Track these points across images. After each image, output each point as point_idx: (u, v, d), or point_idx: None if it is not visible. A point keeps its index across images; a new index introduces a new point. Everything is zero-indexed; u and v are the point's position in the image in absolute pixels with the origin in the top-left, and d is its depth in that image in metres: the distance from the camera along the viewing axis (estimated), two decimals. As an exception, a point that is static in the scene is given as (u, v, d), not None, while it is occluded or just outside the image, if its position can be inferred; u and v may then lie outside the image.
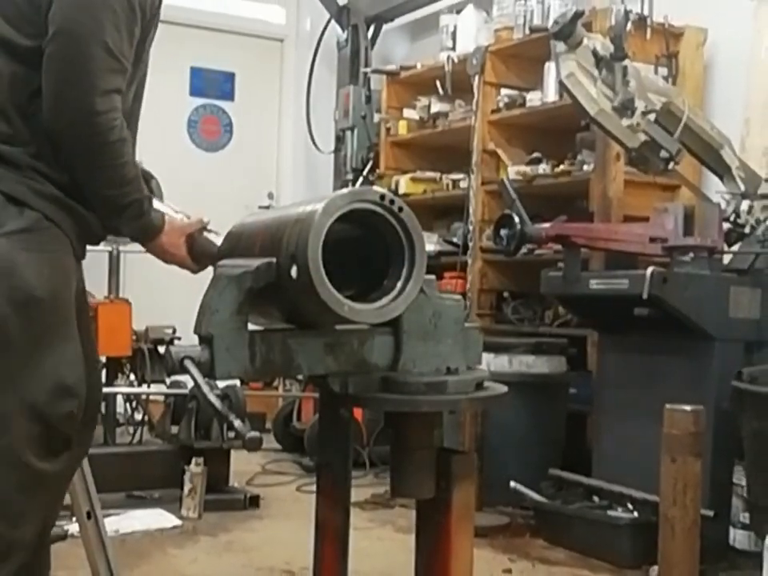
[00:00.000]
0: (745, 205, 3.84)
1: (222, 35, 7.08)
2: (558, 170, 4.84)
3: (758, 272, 3.69)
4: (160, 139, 6.90)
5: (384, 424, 2.01)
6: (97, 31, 1.91)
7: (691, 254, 3.67)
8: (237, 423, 1.64)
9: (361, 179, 6.20)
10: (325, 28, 6.89)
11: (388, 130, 6.14)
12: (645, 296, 3.45)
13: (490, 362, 4.20)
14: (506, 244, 3.82)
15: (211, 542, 3.78)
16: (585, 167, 4.66)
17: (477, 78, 5.26)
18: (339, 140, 6.61)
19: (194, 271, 2.20)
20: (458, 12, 5.83)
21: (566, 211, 4.48)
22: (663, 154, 3.71)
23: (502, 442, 4.18)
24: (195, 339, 1.74)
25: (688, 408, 2.66)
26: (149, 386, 4.76)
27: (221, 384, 4.06)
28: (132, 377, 4.85)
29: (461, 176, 5.53)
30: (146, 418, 4.83)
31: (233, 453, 4.34)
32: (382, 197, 1.75)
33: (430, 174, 5.86)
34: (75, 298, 2.10)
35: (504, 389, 1.92)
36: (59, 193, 1.99)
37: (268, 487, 4.69)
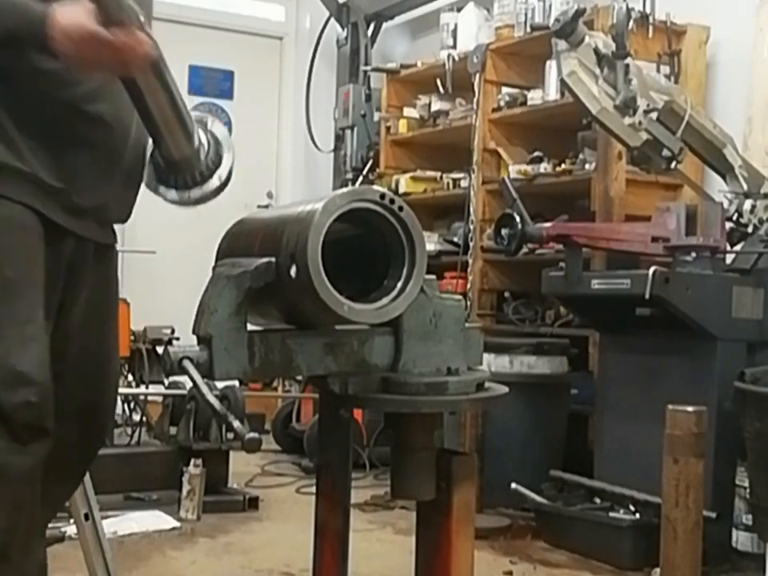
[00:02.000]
0: (747, 204, 3.82)
1: (221, 33, 7.07)
2: (559, 169, 4.82)
3: (760, 272, 3.67)
4: (159, 138, 6.89)
5: (384, 425, 1.99)
6: None
7: (694, 254, 3.65)
8: (236, 424, 1.62)
9: (361, 178, 6.19)
10: (324, 26, 6.88)
11: (388, 128, 6.13)
12: (647, 296, 3.44)
13: (491, 362, 4.18)
14: (506, 243, 3.81)
15: (210, 543, 3.76)
16: (586, 166, 4.64)
17: (477, 76, 5.25)
18: (339, 139, 6.60)
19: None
20: (459, 10, 5.81)
21: (567, 210, 4.48)
22: (665, 152, 3.70)
23: (502, 443, 4.16)
24: (194, 339, 1.72)
25: (690, 409, 2.64)
26: (147, 387, 4.74)
27: (219, 385, 4.05)
28: (130, 377, 4.83)
29: (461, 175, 5.51)
30: (144, 418, 4.80)
31: (232, 454, 4.33)
32: (382, 196, 1.73)
33: (430, 173, 5.84)
34: (49, 271, 1.88)
35: (505, 389, 1.91)
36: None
37: (267, 489, 4.67)
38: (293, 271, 1.66)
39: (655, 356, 3.70)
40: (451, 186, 5.64)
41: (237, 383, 4.18)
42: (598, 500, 3.80)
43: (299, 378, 4.98)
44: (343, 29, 6.76)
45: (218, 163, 1.98)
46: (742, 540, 3.52)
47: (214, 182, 1.97)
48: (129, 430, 4.83)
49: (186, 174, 1.95)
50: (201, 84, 7.11)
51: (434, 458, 1.85)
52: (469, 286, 5.16)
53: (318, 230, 1.64)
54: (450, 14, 5.87)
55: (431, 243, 5.36)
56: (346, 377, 1.77)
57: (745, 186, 3.85)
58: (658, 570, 2.82)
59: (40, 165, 1.85)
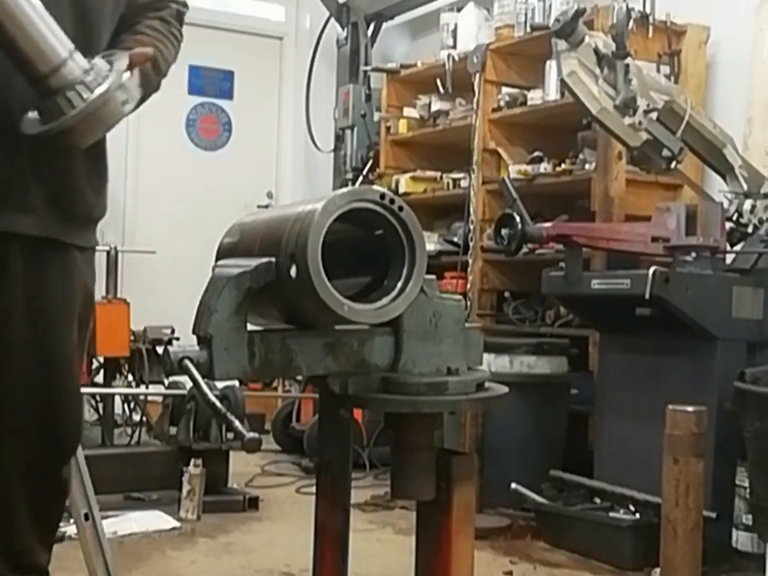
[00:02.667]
0: (747, 204, 3.82)
1: (221, 33, 7.07)
2: (559, 169, 4.83)
3: (760, 272, 3.67)
4: (158, 138, 6.89)
5: (384, 425, 1.99)
6: None
7: (693, 254, 3.65)
8: (236, 424, 1.62)
9: (361, 178, 6.19)
10: (324, 26, 6.88)
11: (388, 128, 6.13)
12: (647, 296, 3.44)
13: (491, 362, 4.18)
14: (506, 243, 3.81)
15: (210, 543, 3.76)
16: (586, 166, 4.64)
17: (477, 76, 5.25)
18: (339, 139, 6.60)
19: None
20: (459, 10, 5.81)
21: (567, 210, 4.47)
22: (665, 152, 3.70)
23: (502, 443, 4.16)
24: (194, 339, 1.72)
25: (690, 409, 2.65)
26: (147, 387, 4.75)
27: (219, 385, 4.05)
28: (130, 377, 4.84)
29: (461, 175, 5.51)
30: (144, 419, 4.81)
31: (232, 454, 4.33)
32: (382, 196, 1.73)
33: (430, 173, 5.84)
34: None
35: (505, 389, 1.90)
36: None
37: (267, 489, 4.67)
38: (293, 271, 1.66)
39: (655, 356, 3.70)
40: (451, 185, 5.64)
41: (237, 383, 4.18)
42: (598, 500, 3.80)
43: (299, 378, 4.98)
44: (343, 29, 6.76)
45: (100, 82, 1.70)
46: (742, 540, 3.52)
47: (95, 95, 1.67)
48: (129, 430, 4.83)
49: (63, 92, 1.68)
50: (201, 84, 7.12)
51: (433, 458, 1.85)
52: (469, 286, 5.16)
53: (318, 230, 1.64)
54: (450, 14, 5.87)
55: (431, 243, 5.37)
56: (346, 377, 1.77)
57: (745, 186, 3.85)
58: (657, 570, 2.82)
59: None
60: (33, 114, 1.73)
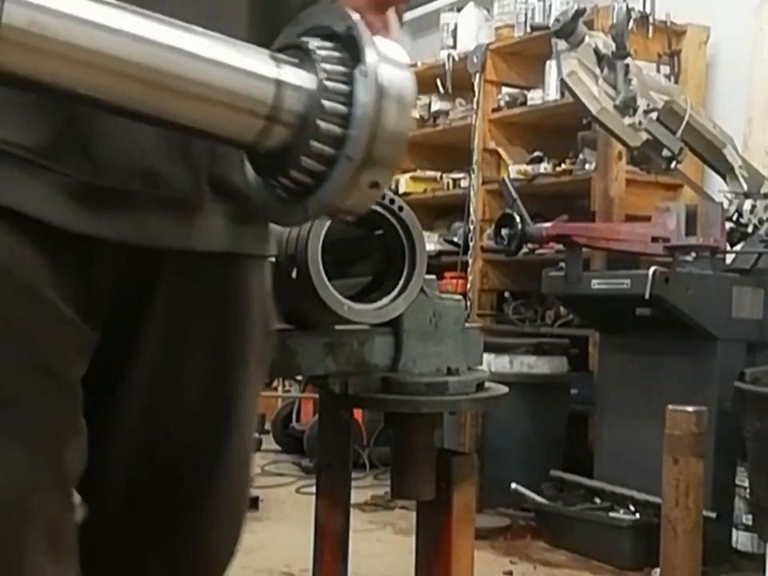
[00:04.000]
0: (747, 204, 3.83)
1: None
2: (559, 169, 4.83)
3: (760, 272, 3.68)
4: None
5: (384, 425, 1.99)
6: None
7: (693, 254, 3.66)
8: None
9: (361, 178, 6.18)
10: (325, 26, 6.88)
11: (388, 129, 6.12)
12: (647, 296, 3.44)
13: (491, 362, 4.19)
14: (506, 243, 3.81)
15: (210, 543, 3.76)
16: (586, 166, 4.64)
17: (477, 76, 5.25)
18: (339, 139, 6.60)
19: None
20: (459, 10, 5.82)
21: (567, 210, 4.48)
22: (665, 152, 3.70)
23: (502, 443, 4.16)
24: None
25: (690, 409, 2.64)
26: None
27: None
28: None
29: (461, 175, 5.51)
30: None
31: (232, 453, 4.32)
32: (382, 196, 1.73)
33: (430, 173, 5.84)
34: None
35: (505, 389, 1.90)
36: None
37: (267, 488, 4.67)
38: (293, 271, 1.66)
39: (655, 356, 3.70)
40: (451, 185, 5.64)
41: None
42: (598, 500, 3.80)
43: (299, 378, 4.98)
44: (343, 29, 6.76)
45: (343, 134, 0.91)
46: (741, 540, 3.52)
47: (338, 172, 0.92)
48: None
49: (293, 157, 0.94)
50: (201, 84, 7.12)
51: (433, 458, 1.84)
52: (469, 286, 5.17)
53: (318, 230, 1.64)
54: (450, 14, 5.87)
55: (431, 243, 5.37)
56: (346, 377, 1.77)
57: (745, 186, 3.86)
58: (657, 570, 2.82)
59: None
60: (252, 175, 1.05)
